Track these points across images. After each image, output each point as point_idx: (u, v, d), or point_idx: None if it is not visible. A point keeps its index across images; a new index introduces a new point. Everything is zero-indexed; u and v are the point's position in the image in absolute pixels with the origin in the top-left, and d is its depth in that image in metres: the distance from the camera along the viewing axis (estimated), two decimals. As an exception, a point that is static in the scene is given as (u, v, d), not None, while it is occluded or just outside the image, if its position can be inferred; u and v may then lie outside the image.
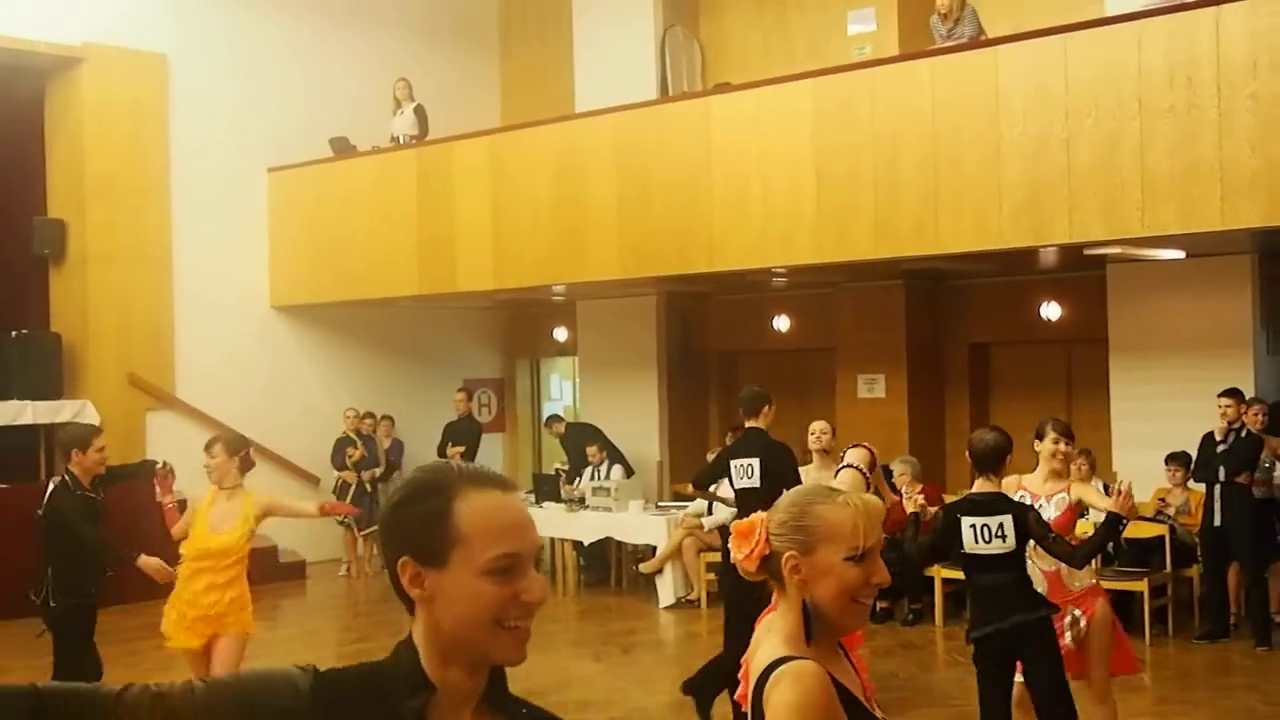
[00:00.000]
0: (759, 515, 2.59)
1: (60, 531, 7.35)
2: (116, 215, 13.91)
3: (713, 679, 7.97)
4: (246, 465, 7.18)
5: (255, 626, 7.36)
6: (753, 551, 2.54)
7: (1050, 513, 6.36)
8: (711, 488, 9.48)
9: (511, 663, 1.88)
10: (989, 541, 6.05)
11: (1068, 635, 6.41)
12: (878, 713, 2.56)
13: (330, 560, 14.80)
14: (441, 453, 14.17)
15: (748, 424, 8.49)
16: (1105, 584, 10.21)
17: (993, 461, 6.20)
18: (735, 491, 8.54)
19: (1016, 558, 6.15)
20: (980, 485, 6.22)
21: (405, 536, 1.85)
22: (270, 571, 13.93)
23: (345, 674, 1.92)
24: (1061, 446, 6.59)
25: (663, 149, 11.78)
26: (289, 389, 15.03)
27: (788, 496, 2.60)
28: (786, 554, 2.50)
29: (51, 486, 7.56)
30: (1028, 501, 6.37)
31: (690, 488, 10.23)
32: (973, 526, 6.08)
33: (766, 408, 8.40)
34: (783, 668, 2.43)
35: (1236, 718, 8.41)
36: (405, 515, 1.86)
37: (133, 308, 14.04)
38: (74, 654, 7.44)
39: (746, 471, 8.29)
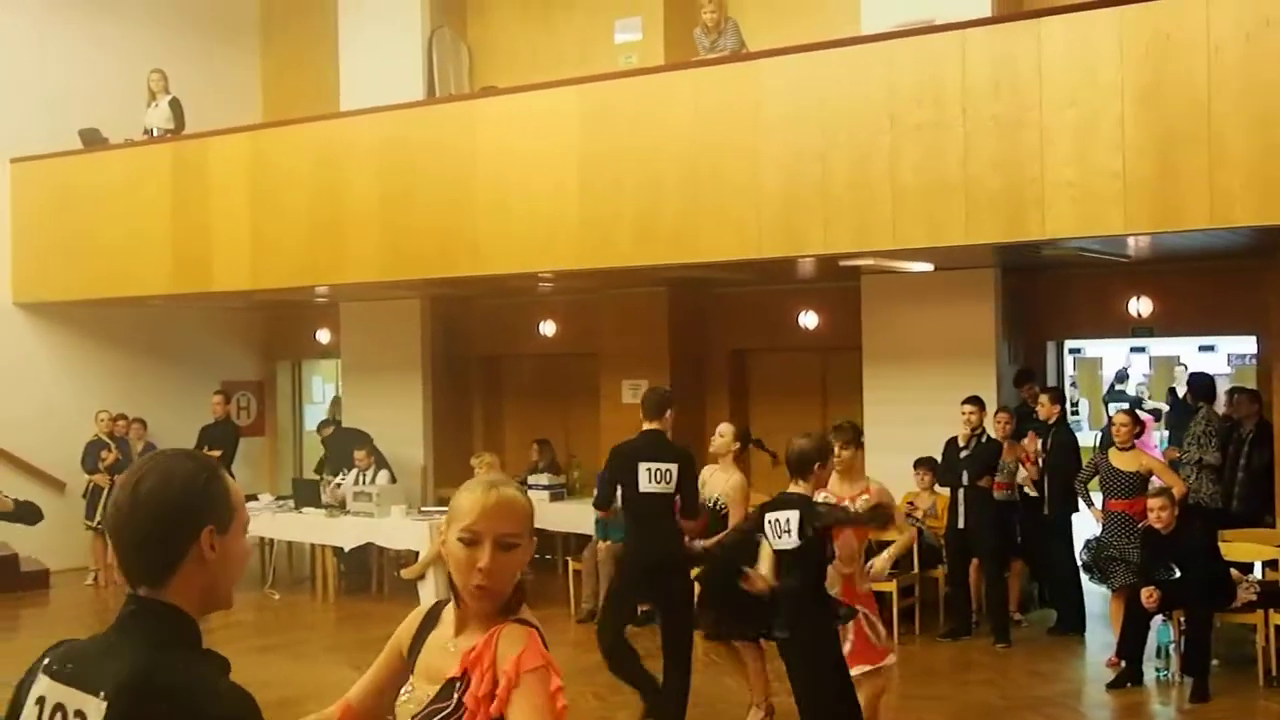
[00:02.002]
0: None
1: None
2: None
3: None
4: None
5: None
6: None
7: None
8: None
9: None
10: (779, 537, 6.28)
11: (869, 633, 6.85)
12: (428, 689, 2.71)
13: (76, 568, 14.15)
14: (196, 456, 13.70)
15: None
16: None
17: (800, 467, 6.47)
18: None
19: (809, 558, 6.32)
20: (791, 488, 6.48)
21: (211, 507, 2.20)
22: (10, 580, 13.33)
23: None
24: (846, 453, 7.05)
25: (427, 151, 11.66)
26: (32, 389, 14.32)
27: None
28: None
29: None
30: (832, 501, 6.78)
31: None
32: (771, 522, 6.35)
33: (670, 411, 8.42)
34: None
35: (975, 711, 8.79)
36: (211, 490, 2.20)
37: None
38: None
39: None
